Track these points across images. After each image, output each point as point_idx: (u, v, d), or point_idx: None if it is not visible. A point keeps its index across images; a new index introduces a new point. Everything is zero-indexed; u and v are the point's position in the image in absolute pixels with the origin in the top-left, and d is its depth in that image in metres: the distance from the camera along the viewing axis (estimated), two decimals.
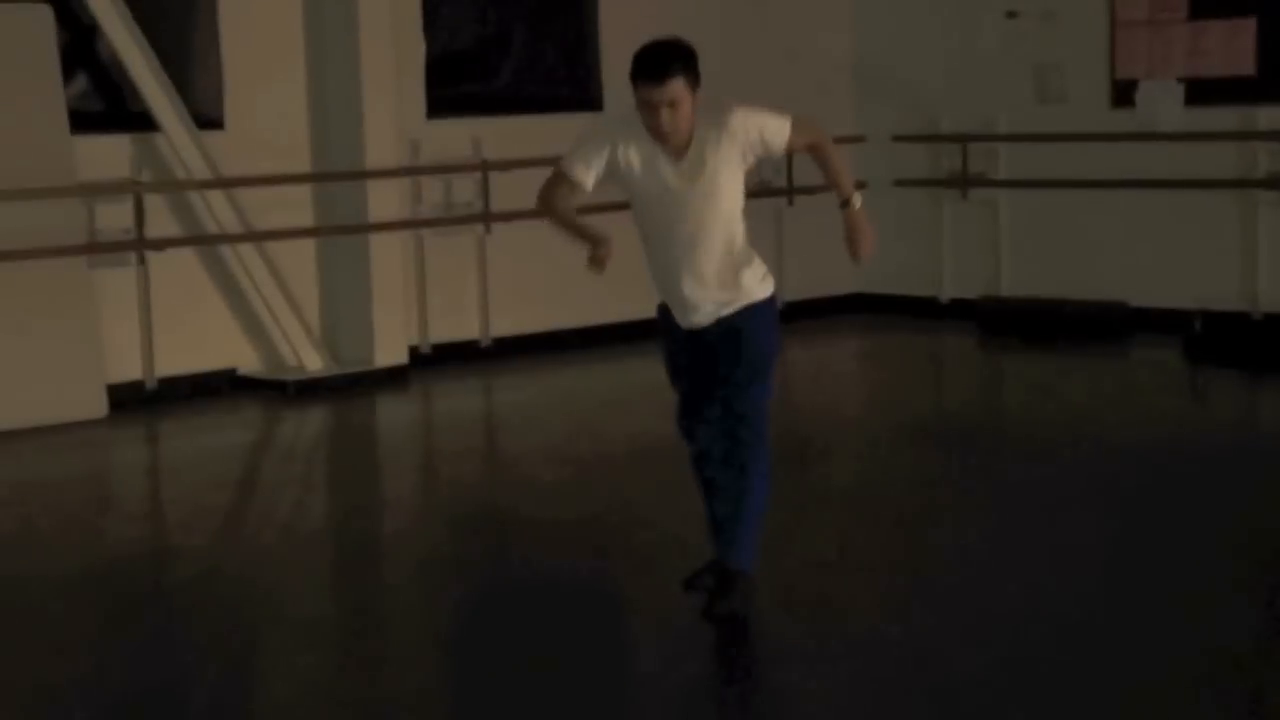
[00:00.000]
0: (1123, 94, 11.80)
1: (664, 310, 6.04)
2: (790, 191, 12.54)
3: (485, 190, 11.23)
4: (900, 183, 12.77)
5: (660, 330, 6.08)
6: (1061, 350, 11.54)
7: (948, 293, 12.70)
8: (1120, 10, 11.77)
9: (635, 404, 9.95)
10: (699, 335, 5.94)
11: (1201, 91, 11.37)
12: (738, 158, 5.79)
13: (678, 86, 5.63)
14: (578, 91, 11.79)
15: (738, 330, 5.89)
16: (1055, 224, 12.21)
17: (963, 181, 12.49)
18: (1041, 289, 12.18)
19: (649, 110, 5.68)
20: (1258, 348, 10.72)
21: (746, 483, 5.89)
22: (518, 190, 11.19)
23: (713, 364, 5.93)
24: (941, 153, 12.62)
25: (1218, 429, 9.10)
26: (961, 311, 12.45)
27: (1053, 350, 11.56)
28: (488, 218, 11.24)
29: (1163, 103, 11.60)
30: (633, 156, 5.79)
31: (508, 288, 11.45)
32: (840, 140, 12.31)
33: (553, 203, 5.99)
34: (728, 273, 5.86)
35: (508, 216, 11.15)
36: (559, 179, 5.92)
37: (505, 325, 11.49)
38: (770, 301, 5.98)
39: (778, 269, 12.40)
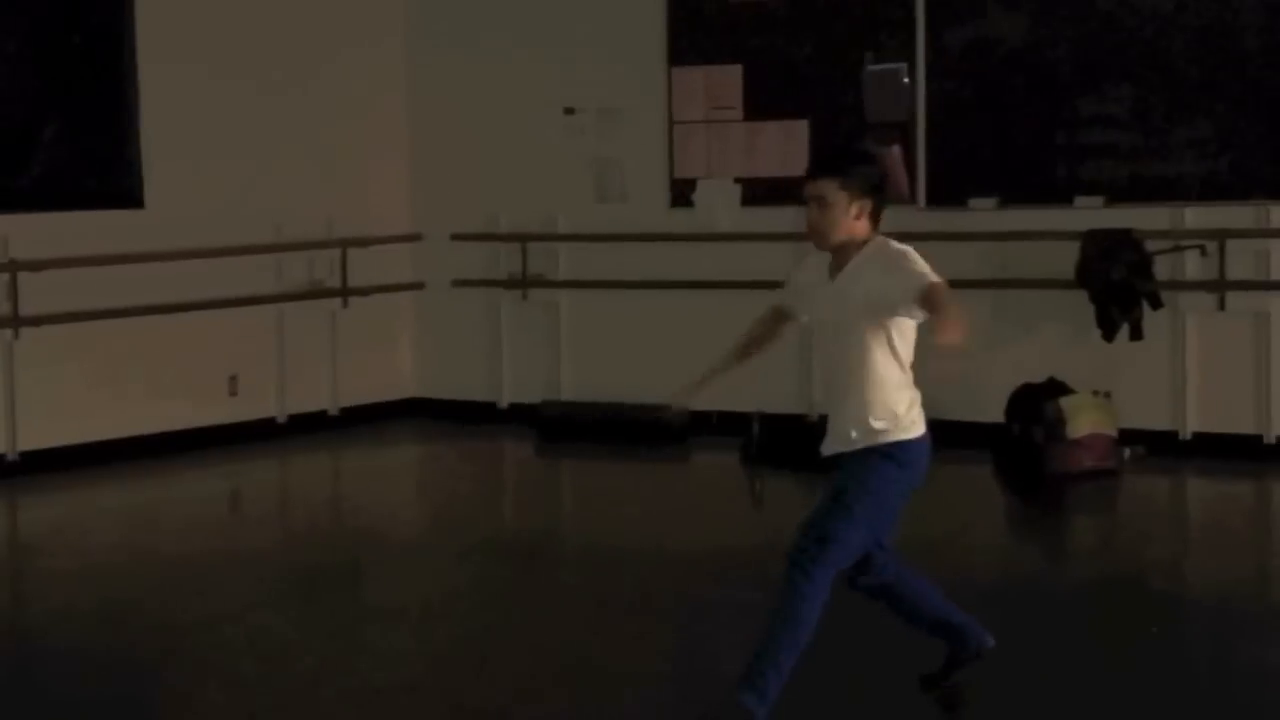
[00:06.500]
0: (681, 193, 11.76)
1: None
2: (345, 293, 12.10)
3: (14, 292, 10.43)
4: (459, 283, 12.44)
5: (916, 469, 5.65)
6: (621, 455, 11.33)
7: (508, 397, 12.40)
8: (677, 109, 11.75)
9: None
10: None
11: (757, 191, 11.46)
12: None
13: (827, 185, 5.59)
14: (115, 187, 11.08)
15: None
16: (616, 325, 12.05)
17: (522, 282, 12.25)
18: (603, 393, 11.98)
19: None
20: (810, 447, 10.71)
21: None
22: (50, 291, 10.51)
23: None
24: (500, 252, 12.35)
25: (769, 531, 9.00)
26: (524, 416, 12.15)
27: (612, 456, 11.34)
28: (17, 322, 10.45)
29: (720, 202, 11.61)
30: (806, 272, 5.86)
31: (40, 397, 10.63)
32: (396, 239, 12.42)
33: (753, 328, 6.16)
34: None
35: (38, 320, 10.42)
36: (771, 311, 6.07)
37: (37, 438, 10.64)
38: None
39: (331, 370, 12.07)
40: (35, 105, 10.80)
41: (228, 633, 7.15)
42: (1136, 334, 10.46)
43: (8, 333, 10.46)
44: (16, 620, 7.77)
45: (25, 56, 10.75)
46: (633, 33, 11.86)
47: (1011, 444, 10.35)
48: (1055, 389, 10.32)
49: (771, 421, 10.91)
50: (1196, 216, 10.50)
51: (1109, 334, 10.49)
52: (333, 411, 12.15)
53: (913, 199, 11.08)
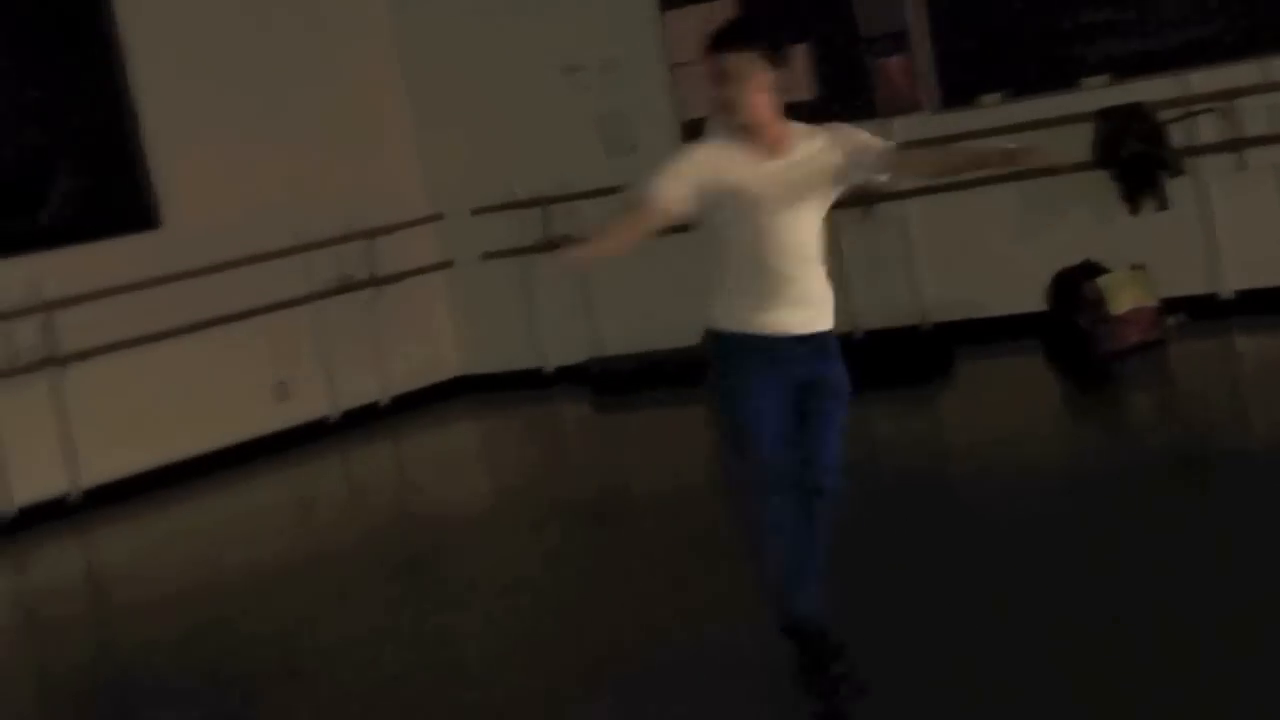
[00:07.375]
0: (692, 134, 11.77)
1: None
2: (376, 282, 12.14)
3: (52, 332, 10.51)
4: (487, 256, 12.49)
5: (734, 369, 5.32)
6: (676, 401, 11.37)
7: (553, 361, 12.46)
8: (675, 52, 11.78)
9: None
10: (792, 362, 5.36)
11: None
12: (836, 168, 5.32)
13: (746, 57, 5.18)
14: (131, 212, 11.13)
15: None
16: (650, 272, 12.05)
17: (549, 245, 12.29)
18: (647, 341, 12.02)
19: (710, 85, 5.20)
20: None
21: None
22: (85, 325, 10.59)
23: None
24: (523, 219, 12.39)
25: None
26: (572, 377, 12.22)
27: (667, 402, 11.40)
28: (59, 360, 10.53)
29: None
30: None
31: (93, 432, 10.72)
32: (418, 222, 12.47)
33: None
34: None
35: (81, 355, 10.51)
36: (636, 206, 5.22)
37: (96, 473, 10.72)
38: None
39: (375, 361, 12.13)
40: (41, 143, 10.85)
41: (318, 635, 7.20)
42: (1162, 204, 10.48)
43: (52, 371, 10.54)
44: (110, 656, 7.82)
45: (24, 96, 10.82)
46: None
47: (1057, 330, 10.39)
48: (1092, 270, 10.35)
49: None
50: (1204, 81, 10.47)
51: (1135, 208, 10.51)
52: (383, 402, 12.21)
53: (923, 106, 11.10)
